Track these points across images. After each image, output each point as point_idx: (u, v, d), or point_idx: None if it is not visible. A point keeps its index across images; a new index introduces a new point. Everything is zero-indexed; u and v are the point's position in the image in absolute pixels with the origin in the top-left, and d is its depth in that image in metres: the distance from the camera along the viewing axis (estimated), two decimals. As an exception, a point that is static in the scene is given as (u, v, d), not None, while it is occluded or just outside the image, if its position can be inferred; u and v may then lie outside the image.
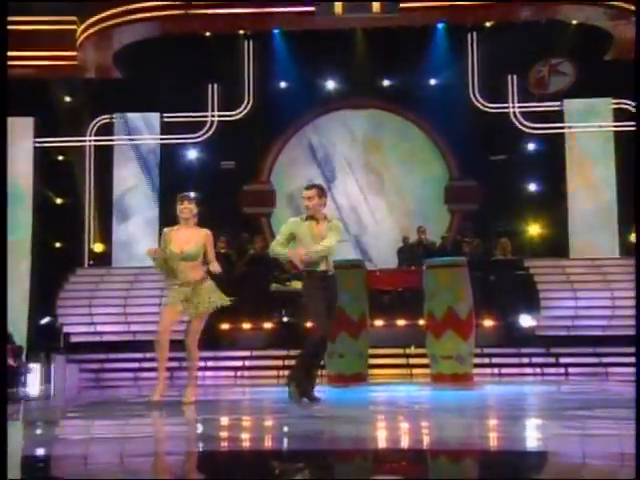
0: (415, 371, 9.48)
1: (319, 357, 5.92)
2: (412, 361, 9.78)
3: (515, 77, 13.04)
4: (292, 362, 9.91)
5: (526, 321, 10.76)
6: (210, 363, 10.17)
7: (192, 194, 6.03)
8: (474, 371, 7.71)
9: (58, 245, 13.53)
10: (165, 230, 5.95)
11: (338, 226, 5.90)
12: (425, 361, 8.03)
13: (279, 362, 9.91)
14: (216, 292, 5.84)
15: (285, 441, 4.11)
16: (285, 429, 4.53)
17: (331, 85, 14.31)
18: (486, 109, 13.18)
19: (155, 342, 5.80)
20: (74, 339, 11.11)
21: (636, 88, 10.09)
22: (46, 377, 10.42)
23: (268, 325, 11.01)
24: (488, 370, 9.75)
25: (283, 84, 14.11)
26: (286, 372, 9.69)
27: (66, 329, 11.28)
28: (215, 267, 5.76)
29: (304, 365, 5.83)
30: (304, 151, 14.61)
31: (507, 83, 13.04)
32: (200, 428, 4.73)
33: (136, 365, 10.26)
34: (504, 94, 13.06)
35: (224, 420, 5.25)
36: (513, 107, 13.01)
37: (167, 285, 5.97)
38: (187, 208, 5.83)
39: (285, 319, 11.25)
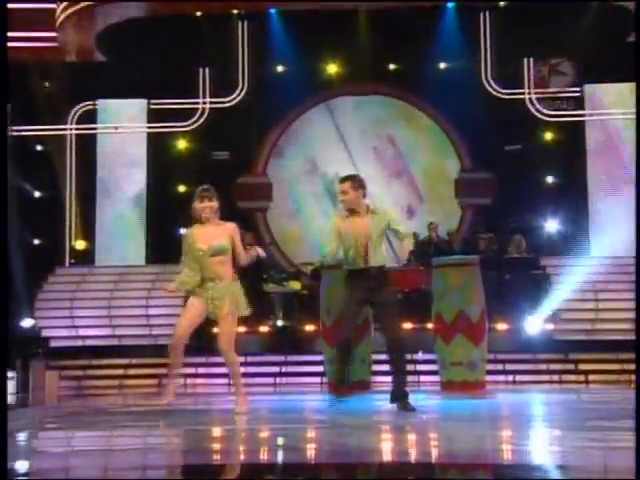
0: (423, 378, 9.47)
1: (347, 359, 6.06)
2: (420, 368, 9.76)
3: (532, 60, 13.02)
4: (289, 368, 9.99)
5: (533, 325, 10.71)
6: (201, 370, 10.17)
7: (208, 187, 5.87)
8: (486, 378, 7.70)
9: (36, 242, 13.53)
10: (186, 232, 5.87)
11: (386, 212, 5.96)
12: (434, 367, 8.04)
13: (275, 368, 9.91)
14: (239, 297, 5.80)
15: (281, 454, 4.11)
16: (280, 441, 4.53)
17: (332, 69, 14.29)
18: (500, 95, 13.16)
19: (170, 346, 5.78)
20: (54, 344, 11.10)
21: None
22: (23, 385, 10.40)
23: (263, 328, 11.01)
24: (501, 377, 9.73)
25: (280, 68, 14.09)
26: (283, 379, 9.75)
27: (45, 333, 11.27)
28: (244, 258, 5.79)
29: (337, 367, 6.12)
30: (303, 141, 14.59)
31: (523, 67, 13.01)
32: (190, 440, 4.73)
33: (121, 372, 10.25)
34: (520, 79, 13.04)
35: (216, 431, 5.25)
36: (529, 93, 13.00)
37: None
38: (208, 207, 5.76)
39: (281, 322, 11.25)
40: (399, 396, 5.77)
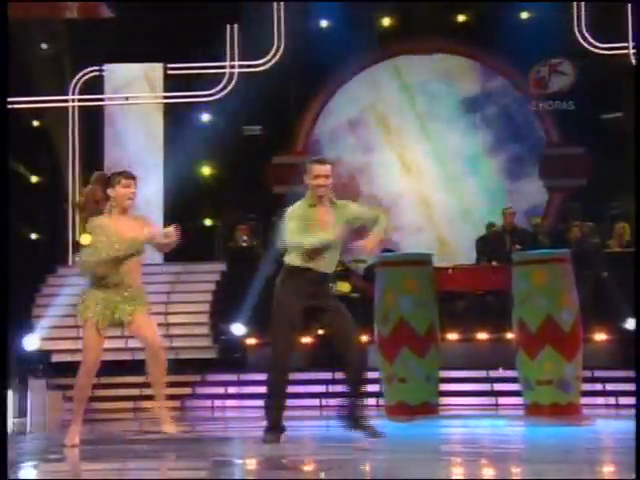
0: (502, 400, 9.44)
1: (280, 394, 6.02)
2: (498, 387, 9.72)
3: (637, 7, 12.79)
4: (338, 387, 9.99)
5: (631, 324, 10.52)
6: (232, 389, 10.25)
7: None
8: (582, 401, 7.66)
9: (33, 237, 13.75)
10: (96, 222, 5.96)
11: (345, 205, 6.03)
12: (516, 387, 8.01)
13: (322, 387, 9.94)
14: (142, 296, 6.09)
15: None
16: (327, 475, 4.53)
17: (386, 22, 14.25)
18: (596, 50, 12.98)
19: (79, 382, 6.06)
20: (56, 359, 11.26)
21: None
22: (21, 408, 10.60)
23: (306, 340, 11.03)
24: (601, 400, 9.65)
25: (324, 23, 14.09)
26: (330, 400, 9.77)
27: (45, 346, 11.44)
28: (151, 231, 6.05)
29: (266, 405, 6.11)
30: (352, 111, 14.57)
31: (626, 14, 12.80)
32: (218, 473, 4.77)
33: (136, 392, 10.38)
34: (621, 30, 12.83)
35: (250, 463, 5.28)
36: (634, 47, 12.77)
37: (86, 290, 6.27)
38: (135, 192, 6.07)
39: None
40: (358, 417, 5.80)
